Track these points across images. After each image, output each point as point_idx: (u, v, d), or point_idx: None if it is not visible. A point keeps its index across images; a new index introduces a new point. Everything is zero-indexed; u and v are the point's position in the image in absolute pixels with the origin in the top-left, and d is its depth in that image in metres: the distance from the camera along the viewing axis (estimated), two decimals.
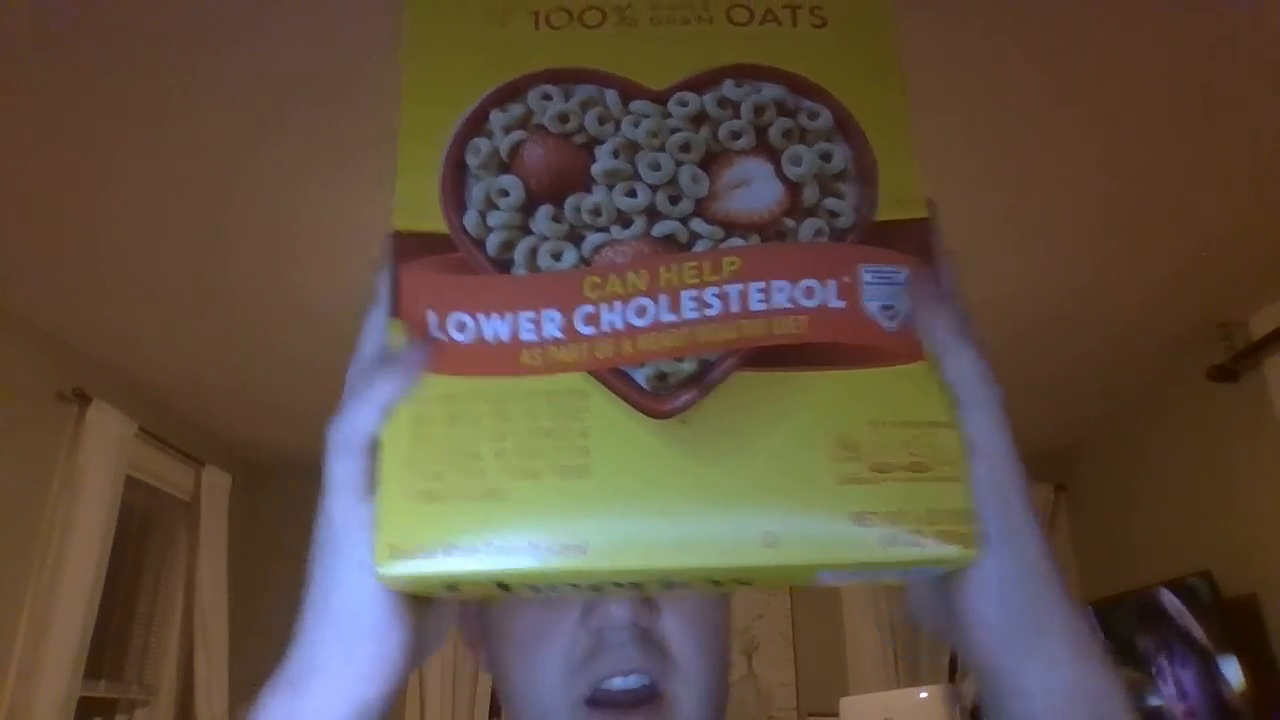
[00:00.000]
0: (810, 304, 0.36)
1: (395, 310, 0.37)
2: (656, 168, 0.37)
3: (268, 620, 4.28)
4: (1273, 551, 2.79)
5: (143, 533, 3.39)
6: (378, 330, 0.40)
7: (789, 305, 0.35)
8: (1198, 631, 2.89)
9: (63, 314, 2.66)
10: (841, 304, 0.36)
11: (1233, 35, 1.65)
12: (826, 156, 0.38)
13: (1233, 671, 2.74)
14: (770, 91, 0.39)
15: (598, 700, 0.51)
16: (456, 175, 0.39)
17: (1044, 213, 2.23)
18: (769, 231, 0.37)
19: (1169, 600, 3.01)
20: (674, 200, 0.37)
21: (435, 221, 0.38)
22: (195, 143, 1.91)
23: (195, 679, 3.31)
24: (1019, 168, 2.05)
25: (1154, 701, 3.01)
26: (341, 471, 0.38)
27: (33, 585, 2.60)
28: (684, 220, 0.37)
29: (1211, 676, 2.81)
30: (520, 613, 0.53)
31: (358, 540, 0.36)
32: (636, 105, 0.38)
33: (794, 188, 0.37)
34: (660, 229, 0.37)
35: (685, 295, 0.35)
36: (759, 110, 0.38)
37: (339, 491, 0.37)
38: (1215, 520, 3.06)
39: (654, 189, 0.37)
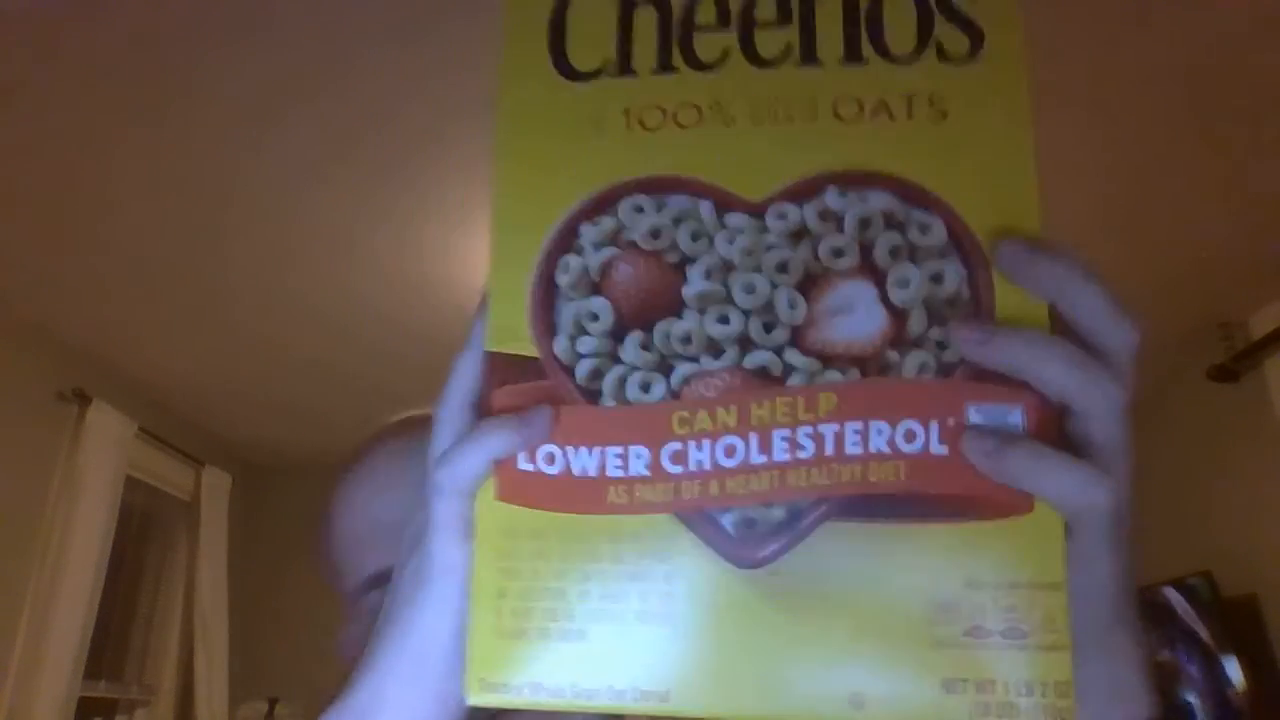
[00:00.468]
0: (910, 449, 0.33)
1: (487, 403, 0.37)
2: (751, 290, 0.35)
3: (268, 620, 4.30)
4: (1273, 551, 2.79)
5: (143, 533, 3.39)
6: (470, 373, 0.40)
7: (887, 450, 0.33)
8: (1202, 631, 2.89)
9: (63, 314, 2.66)
10: (944, 449, 0.33)
11: (1233, 35, 1.65)
12: (937, 278, 0.35)
13: (1233, 671, 2.74)
14: (877, 201, 0.36)
15: None
16: (547, 296, 0.37)
17: (1042, 213, 2.23)
18: (870, 365, 0.34)
19: (1175, 599, 3.01)
20: (768, 328, 0.35)
21: (526, 345, 0.37)
22: (195, 143, 1.91)
23: (195, 679, 3.31)
24: None
25: (1187, 697, 3.01)
26: (446, 513, 0.37)
27: (33, 585, 2.60)
28: (778, 351, 0.35)
29: (1214, 675, 2.81)
30: None
31: (451, 582, 0.37)
32: (732, 219, 0.36)
33: (899, 314, 0.35)
34: (752, 360, 0.35)
35: (777, 435, 0.34)
36: (864, 224, 0.35)
37: (442, 532, 0.37)
38: (1215, 520, 3.06)
39: (747, 315, 0.35)
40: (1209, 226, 2.30)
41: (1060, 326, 0.35)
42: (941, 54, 0.37)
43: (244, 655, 3.79)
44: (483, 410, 0.37)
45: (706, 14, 0.38)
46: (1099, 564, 0.34)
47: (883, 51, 0.37)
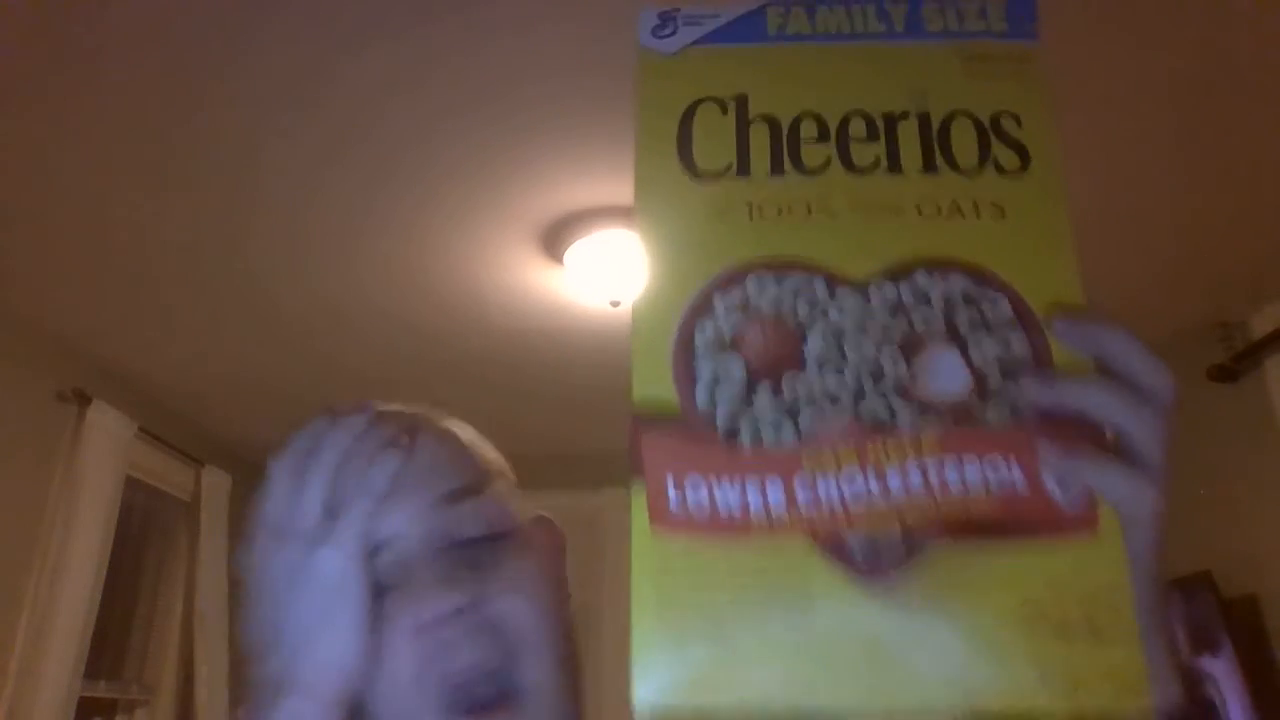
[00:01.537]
0: (998, 481, 0.40)
1: (638, 469, 0.41)
2: (860, 351, 0.42)
3: None
4: (1273, 551, 2.79)
5: (143, 533, 3.39)
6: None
7: (979, 483, 0.40)
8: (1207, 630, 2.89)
9: (63, 314, 2.66)
10: (1025, 481, 0.40)
11: (1232, 35, 1.65)
12: (1006, 344, 0.43)
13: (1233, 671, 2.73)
14: (956, 282, 0.44)
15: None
16: (687, 354, 0.43)
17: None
18: (959, 412, 0.41)
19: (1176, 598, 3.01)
20: (876, 381, 0.42)
21: (670, 395, 0.42)
22: (198, 143, 1.91)
23: (195, 679, 3.31)
24: None
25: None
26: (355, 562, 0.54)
27: (33, 585, 2.60)
28: (886, 400, 0.42)
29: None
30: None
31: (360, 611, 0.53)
32: (841, 293, 0.44)
33: (980, 373, 0.42)
34: (865, 408, 0.42)
35: (890, 471, 0.40)
36: (947, 300, 0.43)
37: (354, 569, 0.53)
38: (1215, 520, 3.06)
39: (859, 371, 0.42)
40: (1209, 226, 2.30)
41: (1107, 377, 0.43)
42: (998, 168, 0.47)
43: (244, 655, 3.78)
44: (634, 459, 0.42)
45: (809, 130, 0.47)
46: (1143, 562, 0.40)
47: (952, 165, 0.46)
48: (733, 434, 0.41)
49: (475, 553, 0.57)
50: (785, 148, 0.46)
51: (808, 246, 0.45)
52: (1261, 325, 2.74)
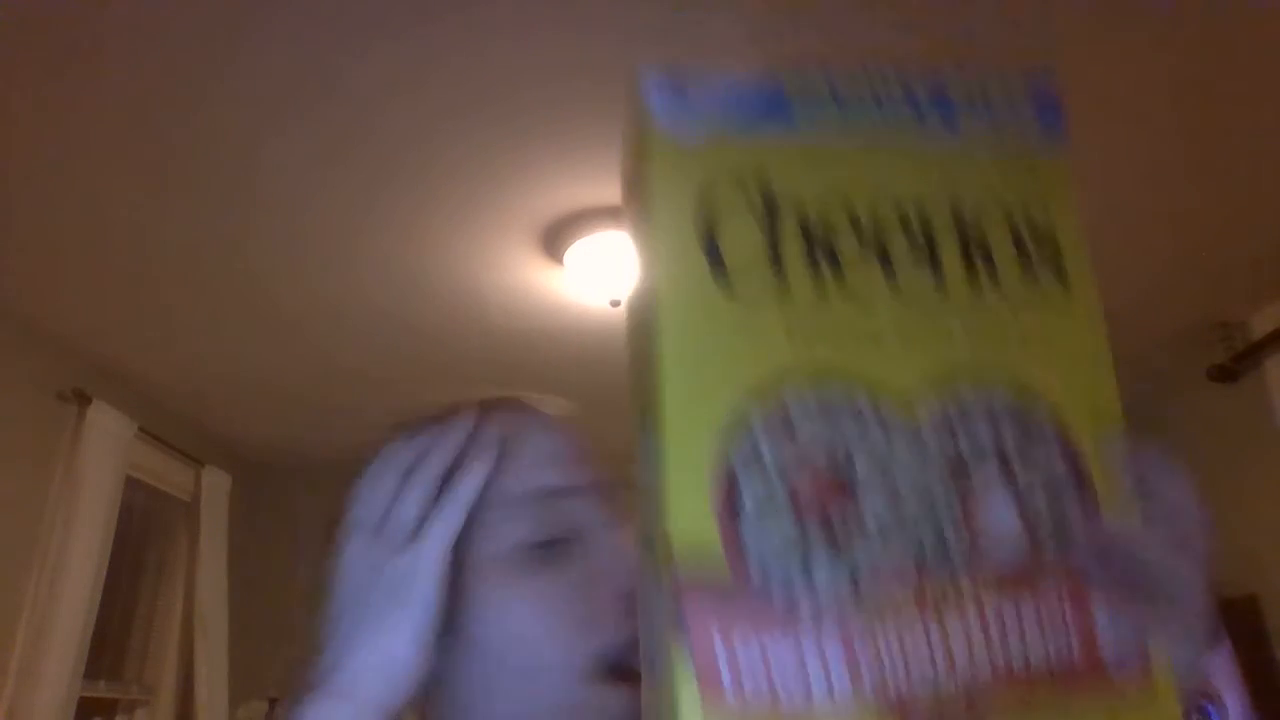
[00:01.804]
0: (1054, 636, 0.40)
1: (680, 626, 0.38)
2: (912, 481, 0.41)
3: (268, 620, 4.29)
4: (1273, 552, 2.79)
5: (143, 533, 3.39)
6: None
7: (1038, 638, 0.40)
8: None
9: (63, 314, 2.66)
10: (1079, 638, 0.40)
11: (1233, 35, 1.65)
12: (1051, 468, 0.42)
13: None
14: (999, 399, 0.43)
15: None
16: (727, 484, 0.40)
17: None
18: (1011, 546, 0.41)
19: None
20: (928, 514, 0.40)
21: (711, 535, 0.39)
22: (198, 143, 1.91)
23: (195, 679, 3.31)
24: None
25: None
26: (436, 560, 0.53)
27: (33, 585, 2.60)
28: (939, 535, 0.40)
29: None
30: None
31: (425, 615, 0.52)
32: (886, 410, 0.42)
33: (1028, 502, 0.41)
34: (919, 544, 0.40)
35: (949, 617, 0.39)
36: (991, 417, 0.43)
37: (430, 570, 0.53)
38: (1215, 520, 3.06)
39: (911, 504, 0.41)
40: (1209, 226, 2.30)
41: (1147, 506, 0.44)
42: (1037, 281, 0.45)
43: (244, 655, 3.79)
44: (674, 614, 0.39)
45: (845, 232, 0.44)
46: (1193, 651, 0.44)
47: (991, 276, 0.45)
48: (786, 584, 0.39)
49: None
50: (822, 257, 0.43)
51: (848, 356, 0.42)
52: (1261, 325, 2.74)
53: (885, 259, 0.44)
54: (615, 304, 2.45)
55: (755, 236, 0.43)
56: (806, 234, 0.44)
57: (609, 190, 2.13)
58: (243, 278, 2.48)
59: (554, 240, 2.32)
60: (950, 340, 0.43)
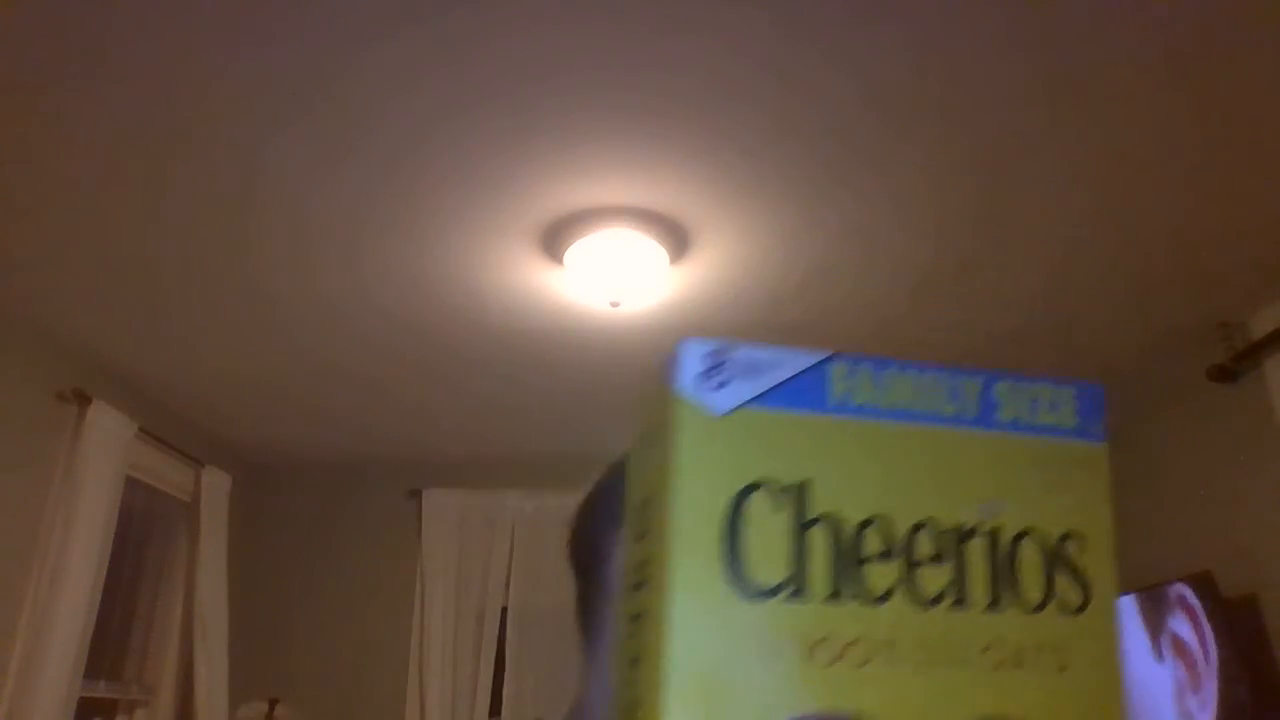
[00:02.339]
0: None
1: None
2: None
3: (268, 620, 4.30)
4: (1273, 551, 2.79)
5: (143, 533, 3.39)
6: None
7: None
8: (1206, 629, 2.89)
9: (63, 314, 2.66)
10: None
11: (1234, 36, 1.65)
12: None
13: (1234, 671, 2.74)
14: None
15: None
16: None
17: (1044, 213, 2.23)
18: None
19: (1188, 594, 3.01)
20: None
21: None
22: (198, 143, 1.91)
23: (195, 679, 3.32)
24: (1019, 169, 2.05)
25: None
26: None
27: (33, 585, 2.60)
28: None
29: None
30: None
31: None
32: None
33: None
34: None
35: None
36: None
37: None
38: (1215, 520, 3.06)
39: None
40: (1209, 226, 2.31)
41: None
42: (1061, 606, 0.42)
43: (244, 655, 3.79)
44: None
45: (875, 542, 0.41)
46: None
47: (1018, 600, 0.42)
48: None
49: None
50: (849, 565, 0.40)
51: (868, 700, 0.39)
52: (1261, 325, 2.74)
53: (913, 574, 0.41)
54: (615, 304, 2.45)
55: (782, 540, 0.40)
56: (836, 538, 0.41)
57: (609, 190, 2.13)
58: (243, 278, 2.48)
59: (554, 240, 2.32)
60: (971, 679, 0.41)
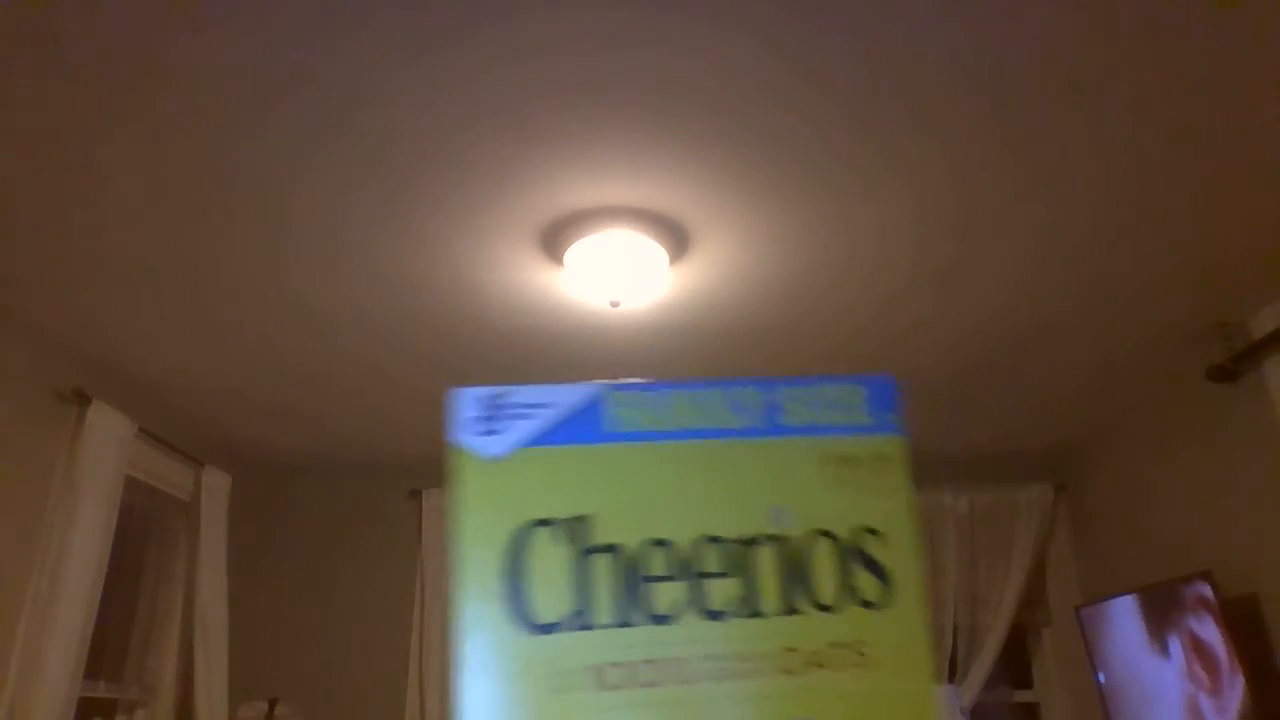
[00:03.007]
0: None
1: None
2: None
3: (268, 620, 4.30)
4: (1273, 551, 2.79)
5: (143, 533, 3.39)
6: None
7: None
8: (1209, 629, 2.89)
9: (63, 314, 2.66)
10: None
11: (1234, 37, 1.65)
12: None
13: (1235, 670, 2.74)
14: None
15: None
16: None
17: (1045, 213, 2.23)
18: None
19: (1193, 594, 3.01)
20: None
21: None
22: (194, 142, 1.91)
23: (195, 679, 3.31)
24: (1019, 169, 2.05)
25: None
26: None
27: (33, 585, 2.60)
28: None
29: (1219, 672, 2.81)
30: None
31: None
32: None
33: None
34: None
35: None
36: None
37: None
38: (1215, 520, 3.06)
39: None
40: (1209, 227, 2.31)
41: None
42: (860, 601, 0.42)
43: (244, 655, 3.79)
44: None
45: (658, 562, 0.41)
46: None
47: (813, 600, 0.42)
48: None
49: None
50: (634, 589, 0.40)
51: (664, 719, 0.39)
52: (1261, 325, 2.74)
53: (700, 590, 0.41)
54: (615, 304, 2.45)
55: (563, 573, 0.40)
56: (618, 564, 0.41)
57: (609, 190, 2.13)
58: (242, 279, 2.48)
59: (554, 240, 2.32)
60: (768, 689, 0.40)
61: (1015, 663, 4.05)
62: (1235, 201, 2.19)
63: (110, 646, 3.12)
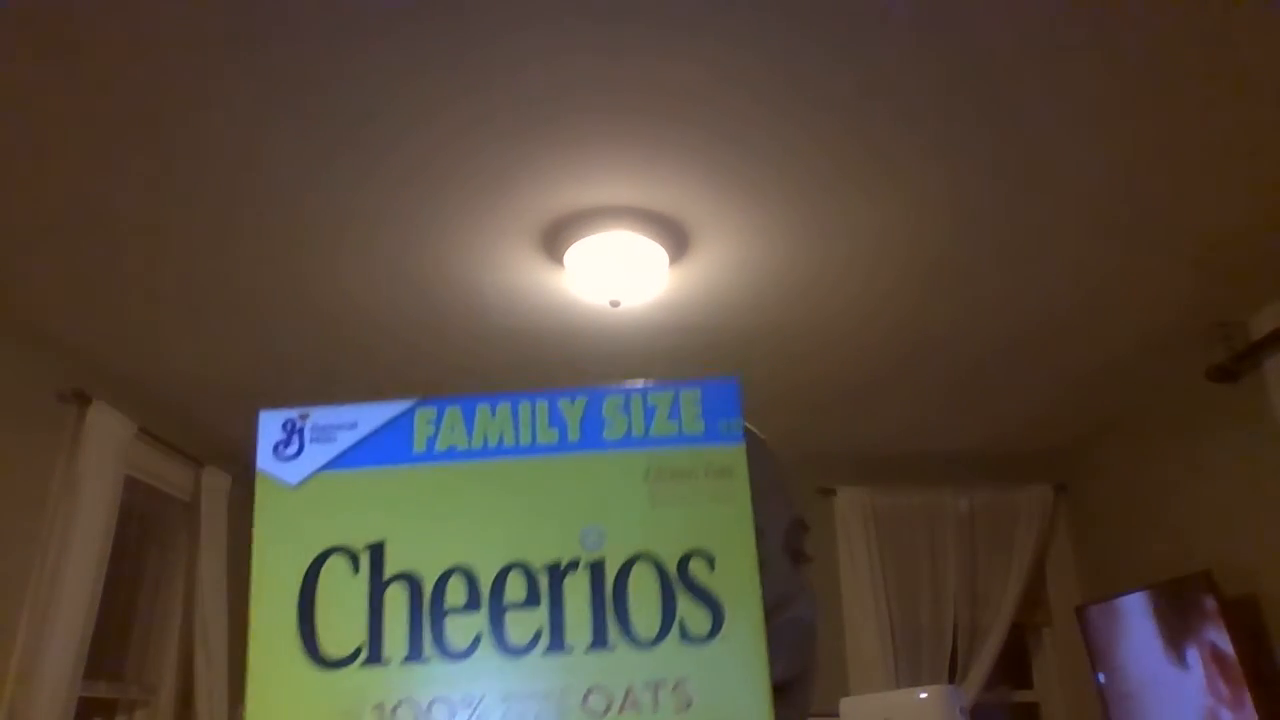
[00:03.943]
0: None
1: None
2: None
3: None
4: (1273, 551, 2.79)
5: (143, 533, 3.39)
6: None
7: None
8: (1210, 630, 2.89)
9: (63, 314, 2.66)
10: None
11: (1234, 38, 1.65)
12: None
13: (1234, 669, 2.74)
14: None
15: None
16: None
17: (1044, 213, 2.23)
18: None
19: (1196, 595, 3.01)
20: None
21: None
22: (197, 144, 1.91)
23: (195, 679, 3.31)
24: (1019, 169, 2.05)
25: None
26: None
27: (33, 585, 2.60)
28: None
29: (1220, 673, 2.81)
30: None
31: None
32: None
33: None
34: None
35: None
36: None
37: None
38: (1215, 520, 3.06)
39: None
40: (1209, 227, 2.30)
41: None
42: (685, 635, 0.37)
43: (244, 655, 3.78)
44: None
45: (457, 593, 0.38)
46: None
47: (628, 635, 0.37)
48: None
49: None
50: (427, 621, 0.37)
51: None
52: (1261, 325, 2.74)
53: (500, 622, 0.37)
54: (615, 304, 2.45)
55: (356, 605, 0.38)
56: (414, 595, 0.38)
57: (609, 190, 2.13)
58: (242, 279, 2.48)
59: (554, 240, 2.32)
60: (564, 717, 0.36)
61: (1015, 663, 4.05)
62: (1235, 201, 2.19)
63: (110, 646, 3.12)
